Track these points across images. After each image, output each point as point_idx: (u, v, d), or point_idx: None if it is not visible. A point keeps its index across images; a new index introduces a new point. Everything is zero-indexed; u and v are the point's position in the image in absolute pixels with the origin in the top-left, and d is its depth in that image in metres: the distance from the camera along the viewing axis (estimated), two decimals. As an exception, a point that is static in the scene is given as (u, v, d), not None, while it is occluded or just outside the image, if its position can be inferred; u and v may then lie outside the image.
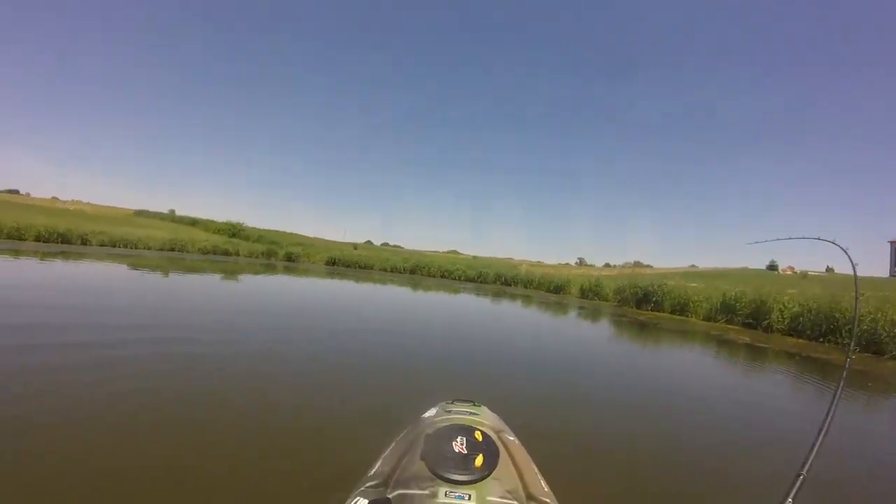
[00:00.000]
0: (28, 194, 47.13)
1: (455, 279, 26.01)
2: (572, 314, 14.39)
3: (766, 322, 11.17)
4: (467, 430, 1.81)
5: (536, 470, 1.83)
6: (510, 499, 1.55)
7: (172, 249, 22.23)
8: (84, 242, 18.25)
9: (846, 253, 2.04)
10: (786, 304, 11.03)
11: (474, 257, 39.91)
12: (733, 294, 12.69)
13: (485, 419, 2.12)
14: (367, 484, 1.51)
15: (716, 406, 4.89)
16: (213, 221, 36.14)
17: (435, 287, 20.45)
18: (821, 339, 9.61)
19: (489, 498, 1.50)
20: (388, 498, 1.39)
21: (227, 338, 5.67)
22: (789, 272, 45.56)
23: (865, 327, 8.54)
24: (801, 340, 9.95)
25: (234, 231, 33.55)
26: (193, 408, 3.36)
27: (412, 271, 27.57)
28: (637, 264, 42.56)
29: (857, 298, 2.14)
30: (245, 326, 6.58)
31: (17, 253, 12.72)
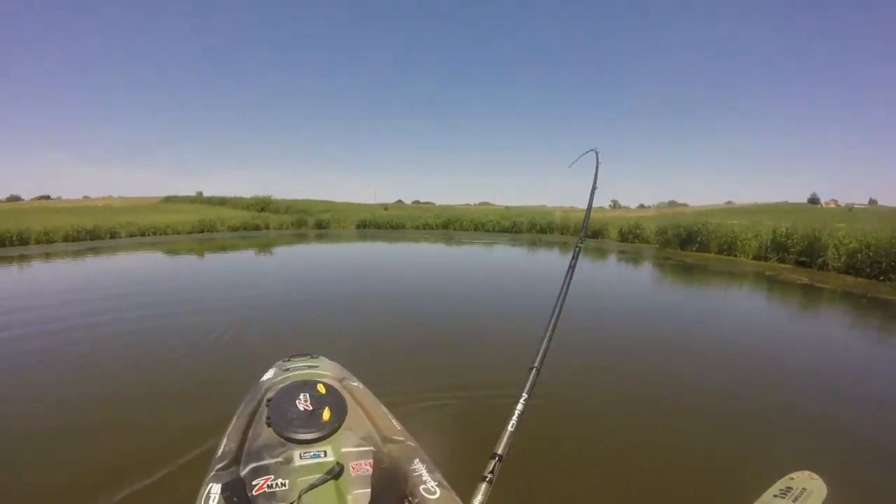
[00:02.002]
0: (59, 197, 48.23)
1: (489, 231, 26.09)
2: (612, 259, 14.44)
3: (820, 260, 10.98)
4: (309, 385, 1.81)
5: (386, 411, 1.87)
6: (366, 445, 1.61)
7: (202, 231, 22.72)
8: (113, 236, 18.72)
9: (596, 157, 2.31)
10: (841, 239, 10.75)
11: (507, 207, 39.48)
12: (784, 230, 12.40)
13: (325, 370, 2.14)
14: (218, 466, 1.43)
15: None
16: (241, 198, 36.58)
17: (468, 241, 20.54)
18: (881, 278, 9.45)
19: (344, 450, 1.54)
20: (241, 477, 1.34)
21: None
22: (832, 205, 43.69)
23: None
24: (860, 279, 9.82)
25: (262, 205, 33.86)
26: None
27: (445, 226, 27.74)
28: (672, 203, 41.34)
29: (592, 192, 2.30)
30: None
31: (47, 255, 13.25)
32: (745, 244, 13.46)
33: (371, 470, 1.44)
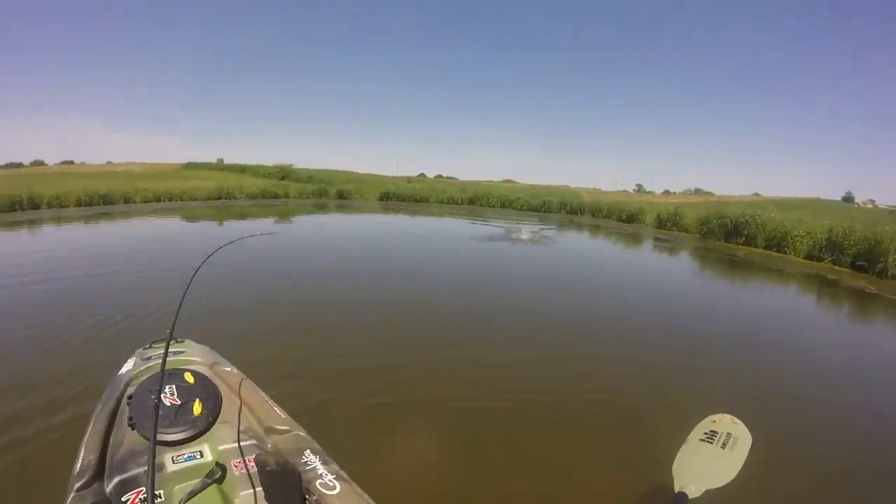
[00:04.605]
0: (83, 163, 47.14)
1: (517, 209, 25.79)
2: (649, 247, 13.59)
3: (879, 265, 10.85)
4: (174, 376, 1.61)
5: (267, 398, 1.71)
6: (248, 439, 1.47)
7: (219, 198, 22.32)
8: (127, 201, 18.46)
9: None
10: (904, 245, 10.58)
11: (532, 185, 38.94)
12: (842, 230, 12.22)
13: (192, 355, 1.91)
14: (78, 485, 1.24)
15: None
16: (262, 166, 35.98)
17: (498, 218, 19.89)
18: (952, 291, 9.34)
19: (223, 447, 1.40)
20: (106, 496, 1.19)
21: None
22: (870, 205, 42.72)
23: None
24: (926, 290, 9.69)
25: (283, 174, 33.48)
26: None
27: (471, 202, 27.34)
28: (698, 191, 40.70)
29: None
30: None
31: (59, 220, 13.06)
32: (796, 241, 13.27)
33: (256, 467, 1.27)
